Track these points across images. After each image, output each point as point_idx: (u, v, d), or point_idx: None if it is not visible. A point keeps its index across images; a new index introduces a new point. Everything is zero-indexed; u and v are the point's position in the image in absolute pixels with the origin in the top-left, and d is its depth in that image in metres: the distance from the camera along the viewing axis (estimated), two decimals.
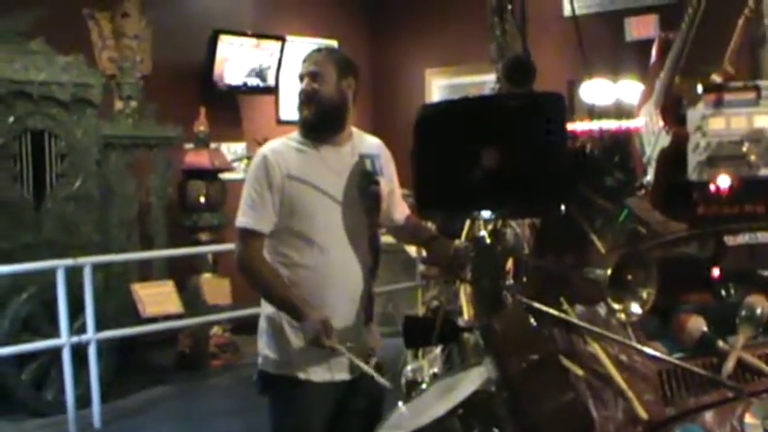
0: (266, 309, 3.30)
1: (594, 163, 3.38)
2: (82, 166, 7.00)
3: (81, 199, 6.99)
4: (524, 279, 3.23)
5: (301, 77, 3.30)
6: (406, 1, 10.75)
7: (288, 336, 3.22)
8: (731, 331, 2.70)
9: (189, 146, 8.21)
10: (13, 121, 6.58)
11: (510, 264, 3.33)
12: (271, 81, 9.66)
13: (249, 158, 7.63)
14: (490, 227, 3.30)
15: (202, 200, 8.00)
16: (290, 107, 9.39)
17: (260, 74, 9.56)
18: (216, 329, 8.09)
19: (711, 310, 2.83)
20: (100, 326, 6.32)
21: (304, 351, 3.17)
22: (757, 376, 2.57)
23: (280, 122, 9.90)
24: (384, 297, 7.91)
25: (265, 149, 3.27)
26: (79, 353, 6.24)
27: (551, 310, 2.75)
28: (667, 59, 3.34)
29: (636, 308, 2.63)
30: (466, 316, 3.94)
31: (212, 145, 8.39)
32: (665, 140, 3.22)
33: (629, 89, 4.03)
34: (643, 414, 2.42)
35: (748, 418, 2.41)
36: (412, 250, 8.01)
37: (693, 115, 3.07)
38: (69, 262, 6.20)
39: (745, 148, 2.98)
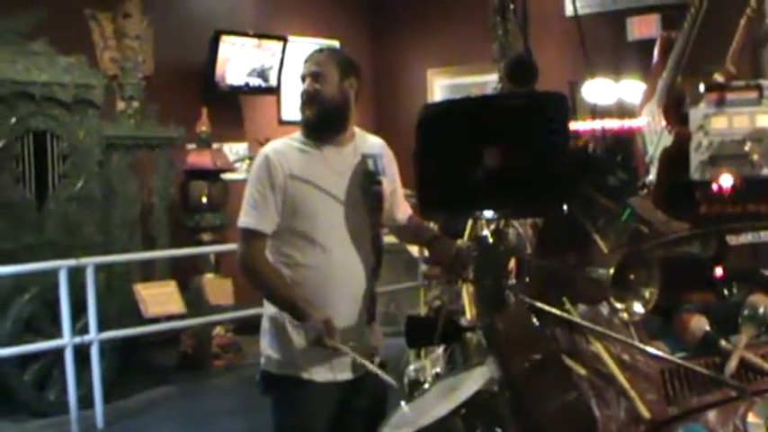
0: (269, 309, 3.30)
1: (597, 162, 3.38)
2: (84, 167, 7.01)
3: (83, 199, 7.00)
4: (527, 279, 3.22)
5: (303, 78, 3.29)
6: (408, 1, 10.76)
7: (290, 336, 3.22)
8: (734, 330, 2.69)
9: (191, 146, 8.22)
10: (16, 121, 6.58)
11: (512, 263, 3.33)
12: (272, 81, 9.67)
13: (251, 159, 7.65)
14: (492, 227, 3.30)
15: (204, 200, 8.01)
16: (291, 107, 9.38)
17: (262, 74, 9.56)
18: (218, 330, 8.10)
19: (714, 309, 2.83)
20: (102, 326, 6.33)
21: (307, 351, 3.17)
22: (760, 375, 2.56)
23: (282, 123, 9.91)
24: (386, 297, 7.91)
25: (267, 149, 3.27)
26: (82, 353, 6.25)
27: (554, 310, 2.75)
28: (669, 59, 3.34)
29: (638, 307, 2.63)
30: (468, 316, 3.94)
31: (214, 145, 8.40)
32: (667, 140, 3.22)
33: (631, 89, 4.03)
34: (646, 413, 2.41)
35: (751, 418, 2.41)
36: (414, 250, 8.02)
37: (696, 115, 3.07)
38: (72, 262, 6.20)
39: (747, 148, 2.98)
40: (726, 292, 3.06)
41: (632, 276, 2.64)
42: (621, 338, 2.63)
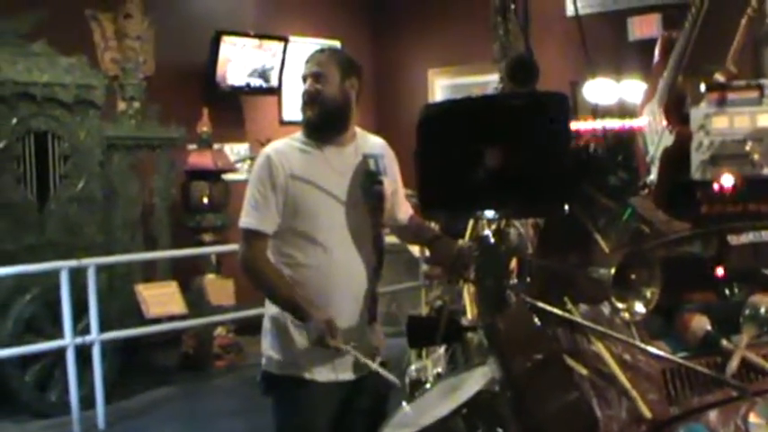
0: (270, 309, 3.30)
1: (598, 162, 3.38)
2: (85, 168, 7.01)
3: (84, 200, 7.00)
4: (528, 278, 3.22)
5: (304, 78, 3.29)
6: (409, 1, 10.76)
7: (292, 336, 3.22)
8: (735, 330, 2.69)
9: (192, 147, 8.22)
10: (17, 122, 6.58)
11: (514, 263, 3.33)
12: (273, 82, 9.67)
13: (252, 159, 7.64)
14: (494, 226, 3.30)
15: (205, 201, 8.01)
16: (292, 108, 9.39)
17: (263, 74, 9.56)
18: (220, 330, 8.10)
19: (715, 309, 2.83)
20: (104, 327, 6.33)
21: (308, 351, 3.17)
22: (761, 375, 2.56)
23: (283, 123, 9.91)
24: (388, 297, 7.90)
25: (269, 150, 3.27)
26: (83, 354, 6.25)
27: (555, 310, 2.75)
28: (670, 59, 3.34)
29: (640, 307, 2.63)
30: (470, 316, 3.94)
31: (215, 146, 8.39)
32: (668, 140, 3.23)
33: (632, 88, 4.04)
34: (647, 413, 2.41)
35: (752, 418, 2.41)
36: (415, 250, 8.01)
37: (696, 114, 3.07)
38: (73, 263, 6.20)
39: (748, 147, 2.98)
40: (727, 291, 3.06)
41: (633, 276, 2.64)
42: (623, 338, 2.63)
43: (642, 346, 2.60)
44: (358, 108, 3.35)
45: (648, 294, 2.62)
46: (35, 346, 6.25)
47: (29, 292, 6.41)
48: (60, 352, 6.21)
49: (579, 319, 2.75)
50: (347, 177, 3.26)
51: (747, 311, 2.71)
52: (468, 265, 3.26)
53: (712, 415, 2.44)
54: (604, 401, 2.50)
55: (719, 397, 2.48)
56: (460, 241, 3.45)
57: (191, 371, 7.75)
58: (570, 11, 8.96)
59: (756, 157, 2.96)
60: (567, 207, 2.81)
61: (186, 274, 7.81)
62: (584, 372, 2.58)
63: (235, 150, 9.27)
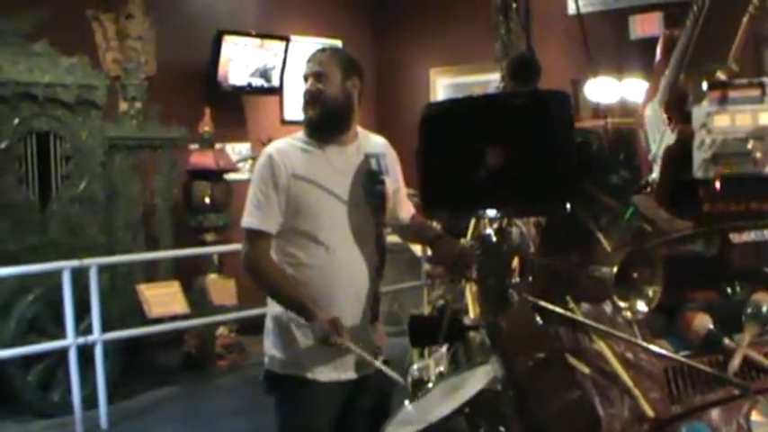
0: (272, 308, 3.30)
1: (600, 161, 3.38)
2: (87, 168, 7.01)
3: (86, 200, 7.00)
4: (530, 277, 3.22)
5: (305, 78, 3.29)
6: (411, 0, 10.75)
7: (294, 335, 3.22)
8: (737, 329, 2.69)
9: (194, 146, 8.21)
10: (18, 122, 6.58)
11: (515, 262, 3.33)
12: (275, 81, 9.67)
13: (254, 159, 7.63)
14: (495, 225, 3.30)
15: (207, 200, 8.01)
16: (294, 107, 9.39)
17: (264, 74, 9.56)
18: (222, 330, 8.10)
19: (717, 307, 2.83)
20: (106, 327, 6.33)
21: (311, 350, 3.17)
22: (763, 374, 2.56)
23: (284, 123, 9.91)
24: (390, 296, 7.91)
25: (270, 149, 3.27)
26: (85, 354, 6.25)
27: (557, 309, 2.75)
28: (672, 57, 3.34)
29: (642, 306, 2.63)
30: (472, 315, 3.94)
31: (217, 145, 8.39)
32: (670, 138, 3.22)
33: (633, 87, 4.04)
34: (649, 412, 2.41)
35: (755, 416, 2.41)
36: (417, 249, 8.00)
37: (698, 112, 3.07)
38: (75, 263, 6.20)
39: (750, 146, 2.98)
40: (729, 290, 3.05)
41: (635, 275, 2.63)
42: (625, 337, 2.63)
43: (644, 344, 2.60)
44: (359, 107, 3.35)
45: (650, 293, 2.62)
46: (38, 347, 6.25)
47: (31, 293, 6.41)
48: (63, 352, 6.21)
49: (581, 318, 2.75)
50: (349, 177, 3.27)
51: (749, 310, 2.71)
52: (470, 264, 3.26)
53: (714, 413, 2.44)
54: (607, 400, 2.50)
55: (722, 395, 2.48)
56: (462, 240, 3.45)
57: (193, 371, 7.75)
58: (572, 9, 8.94)
59: (758, 155, 2.96)
60: (568, 206, 2.81)
61: (188, 274, 7.82)
62: (586, 370, 2.58)
63: (236, 150, 9.27)
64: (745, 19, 3.42)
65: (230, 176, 8.34)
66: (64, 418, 6.29)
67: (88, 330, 6.27)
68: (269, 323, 3.33)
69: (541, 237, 3.49)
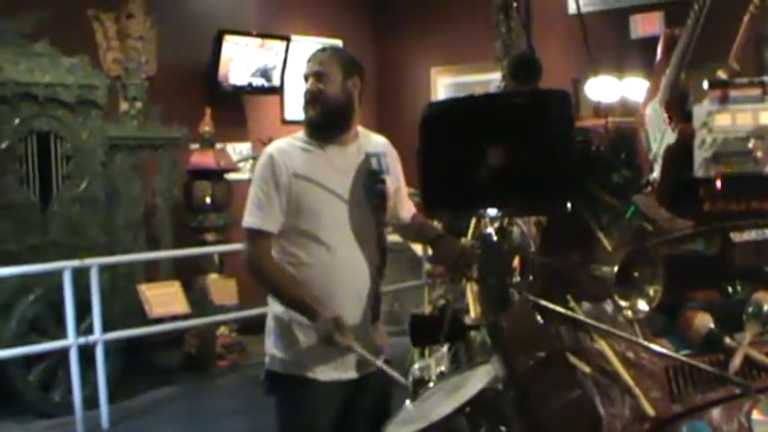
0: (273, 308, 3.30)
1: (601, 160, 3.38)
2: (87, 168, 7.01)
3: (87, 200, 7.00)
4: (531, 277, 3.22)
5: (306, 77, 3.29)
6: (411, 0, 10.76)
7: (295, 335, 3.22)
8: (738, 328, 2.69)
9: (194, 146, 8.21)
10: (19, 122, 6.59)
11: (516, 261, 3.33)
12: (276, 81, 9.67)
13: (255, 159, 7.64)
14: (496, 225, 3.30)
15: (208, 200, 8.01)
16: (295, 107, 9.39)
17: (265, 74, 9.56)
18: (222, 330, 8.10)
19: (718, 306, 2.83)
20: (107, 327, 6.34)
21: (312, 350, 3.17)
22: (764, 373, 2.56)
23: (285, 122, 9.91)
24: (390, 296, 7.91)
25: (271, 149, 3.27)
26: (86, 354, 6.26)
27: (558, 308, 2.75)
28: (673, 56, 3.34)
29: (643, 305, 2.63)
30: (473, 314, 3.93)
31: (218, 145, 8.39)
32: (671, 137, 3.22)
33: (634, 86, 4.04)
34: (650, 411, 2.41)
35: (755, 415, 2.41)
36: (418, 249, 8.00)
37: (699, 112, 3.06)
38: (76, 263, 6.21)
39: (750, 145, 2.97)
40: (730, 289, 3.05)
41: (636, 274, 2.64)
42: (626, 336, 2.63)
43: (645, 343, 2.60)
44: (360, 107, 3.34)
45: (651, 292, 2.62)
46: (39, 346, 6.26)
47: (32, 293, 6.42)
48: (64, 352, 6.22)
49: (582, 317, 2.75)
50: (350, 176, 3.26)
51: (750, 309, 2.71)
52: (470, 263, 3.25)
53: (715, 412, 2.44)
54: (607, 399, 2.50)
55: (722, 394, 2.48)
56: (463, 240, 3.45)
57: (194, 370, 7.76)
58: (572, 8, 8.94)
59: (759, 154, 2.96)
60: (569, 205, 2.81)
61: (189, 274, 7.82)
62: (587, 370, 2.58)
63: (237, 150, 9.28)
64: (746, 18, 3.41)
65: (231, 176, 8.34)
66: (65, 417, 6.30)
67: (89, 330, 6.28)
68: (270, 323, 3.33)
69: (542, 236, 3.49)
